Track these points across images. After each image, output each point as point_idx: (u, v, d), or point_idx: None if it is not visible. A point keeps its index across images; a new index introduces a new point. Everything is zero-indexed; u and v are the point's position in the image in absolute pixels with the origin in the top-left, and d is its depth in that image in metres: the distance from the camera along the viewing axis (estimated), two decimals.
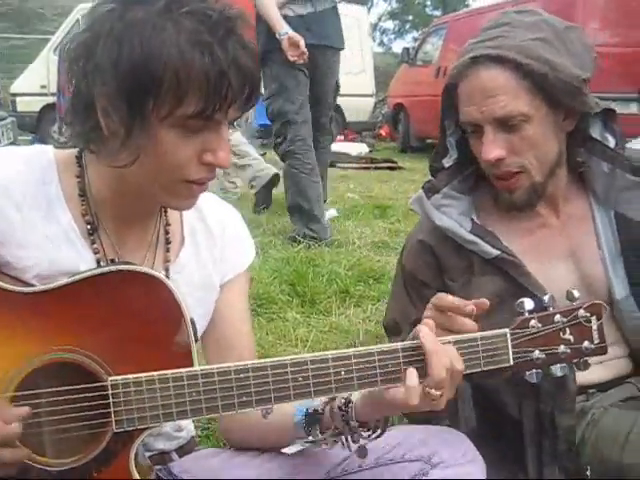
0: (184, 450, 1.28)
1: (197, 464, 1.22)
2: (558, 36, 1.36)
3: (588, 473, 1.38)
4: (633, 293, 1.44)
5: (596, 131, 1.44)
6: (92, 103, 0.97)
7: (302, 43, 4.05)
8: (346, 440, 1.09)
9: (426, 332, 1.02)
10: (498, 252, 1.42)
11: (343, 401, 1.08)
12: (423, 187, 1.50)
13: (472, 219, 1.47)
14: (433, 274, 1.50)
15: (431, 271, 1.51)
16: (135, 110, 0.94)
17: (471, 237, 1.44)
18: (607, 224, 1.47)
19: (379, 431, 1.08)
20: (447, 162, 1.50)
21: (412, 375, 1.00)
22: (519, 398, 1.39)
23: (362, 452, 1.09)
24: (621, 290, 1.45)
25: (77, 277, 0.98)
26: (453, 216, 1.46)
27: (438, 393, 0.99)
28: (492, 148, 1.36)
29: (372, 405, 1.06)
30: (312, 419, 1.11)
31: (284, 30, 4.04)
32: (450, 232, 1.46)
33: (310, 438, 1.11)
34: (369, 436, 1.09)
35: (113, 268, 0.99)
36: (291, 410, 1.12)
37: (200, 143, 0.99)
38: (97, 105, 0.96)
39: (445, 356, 1.00)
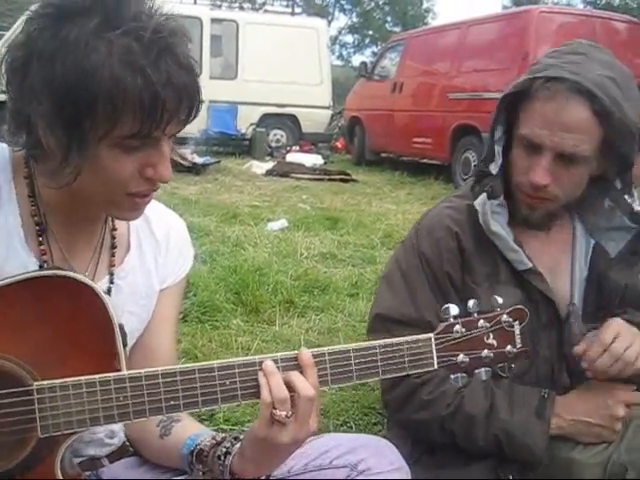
0: (115, 456, 1.26)
1: (126, 471, 1.22)
2: (624, 80, 1.40)
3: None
4: (583, 319, 1.52)
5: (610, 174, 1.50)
6: (31, 121, 0.95)
7: None
8: None
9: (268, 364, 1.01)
10: (531, 265, 1.48)
11: (224, 450, 1.06)
12: (486, 191, 1.50)
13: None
14: (456, 269, 1.52)
15: (455, 266, 1.52)
16: (72, 130, 0.93)
17: (515, 247, 1.49)
18: (584, 251, 1.55)
19: None
20: (494, 169, 1.51)
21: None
22: None
23: None
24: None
25: (6, 281, 0.96)
26: (503, 224, 1.50)
27: (283, 413, 0.98)
28: (544, 175, 1.40)
29: (251, 453, 1.03)
30: (197, 457, 1.09)
31: None
32: (498, 238, 1.49)
33: (187, 473, 1.12)
34: None
35: (40, 273, 0.98)
36: (183, 440, 1.12)
37: (140, 158, 0.99)
38: (36, 123, 0.95)
39: (279, 377, 0.99)
